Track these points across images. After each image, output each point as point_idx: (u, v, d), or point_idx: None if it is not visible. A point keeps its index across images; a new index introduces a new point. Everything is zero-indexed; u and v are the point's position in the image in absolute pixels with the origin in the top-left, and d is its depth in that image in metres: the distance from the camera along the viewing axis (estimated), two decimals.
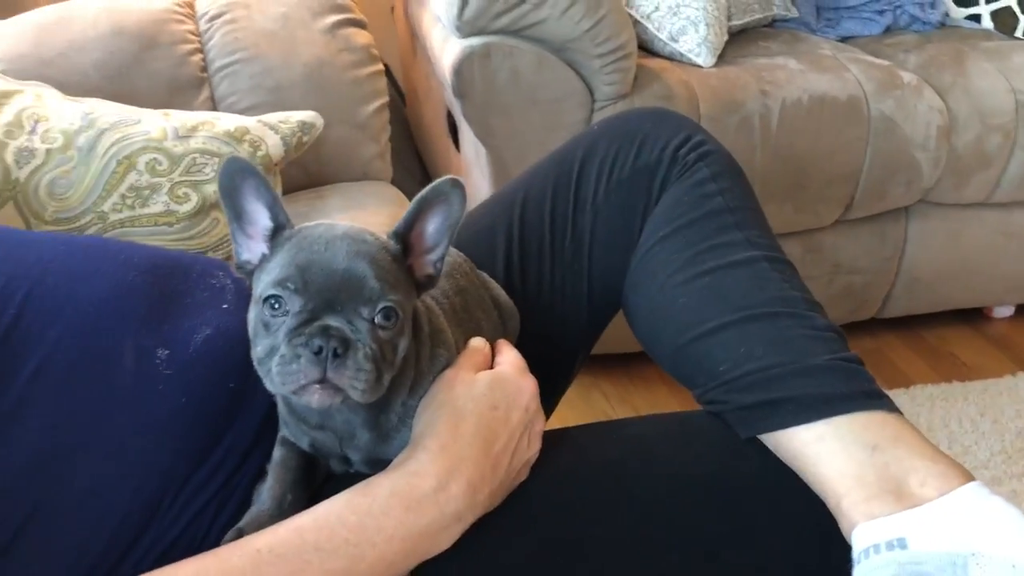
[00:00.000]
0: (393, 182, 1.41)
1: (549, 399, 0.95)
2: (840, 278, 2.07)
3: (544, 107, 1.72)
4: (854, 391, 0.76)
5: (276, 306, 0.60)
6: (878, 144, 1.89)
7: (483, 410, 0.69)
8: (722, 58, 1.93)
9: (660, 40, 1.91)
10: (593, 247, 0.93)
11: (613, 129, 0.97)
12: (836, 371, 0.77)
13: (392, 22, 2.57)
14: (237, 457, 0.69)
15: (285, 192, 1.23)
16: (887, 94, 1.89)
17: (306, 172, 1.31)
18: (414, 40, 2.24)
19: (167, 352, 0.70)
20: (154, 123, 1.06)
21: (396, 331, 0.62)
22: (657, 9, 1.91)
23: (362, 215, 1.22)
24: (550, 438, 0.77)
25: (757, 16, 2.09)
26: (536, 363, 0.80)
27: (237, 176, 0.63)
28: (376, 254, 0.62)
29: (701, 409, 0.84)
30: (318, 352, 0.58)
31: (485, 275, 0.89)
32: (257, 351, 0.61)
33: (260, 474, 0.70)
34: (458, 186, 0.65)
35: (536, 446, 0.73)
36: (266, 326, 0.60)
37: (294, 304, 0.59)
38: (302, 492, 0.68)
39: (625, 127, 0.96)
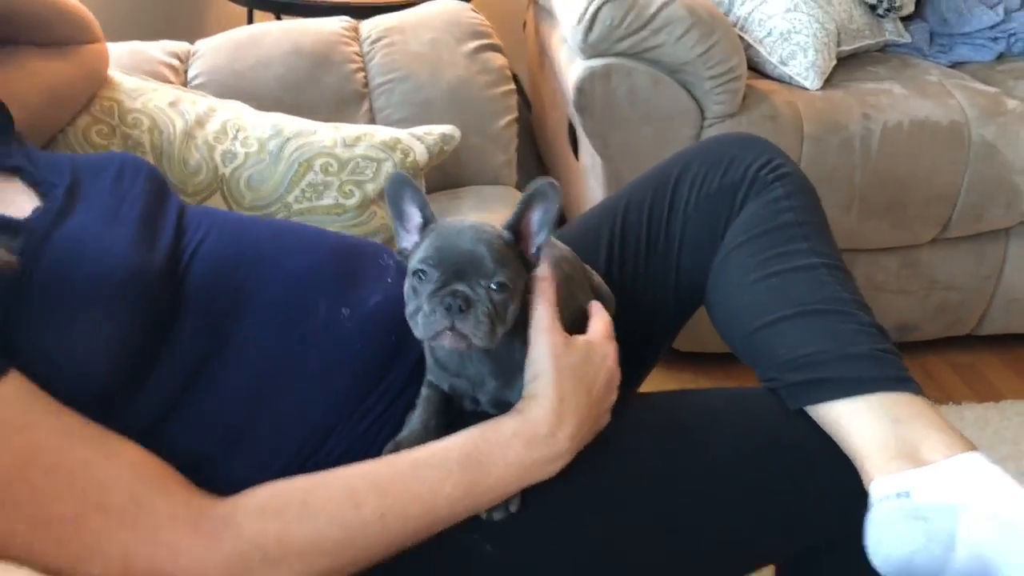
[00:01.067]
0: (517, 186, 1.62)
1: (636, 374, 1.15)
2: (936, 294, 2.15)
3: (657, 124, 1.89)
4: (887, 375, 0.92)
5: (421, 277, 0.82)
6: (977, 168, 1.96)
7: (579, 368, 0.88)
8: (829, 81, 2.05)
9: (770, 63, 2.04)
10: (682, 248, 1.11)
11: (706, 151, 1.15)
12: (873, 359, 0.93)
13: (524, 36, 2.78)
14: (395, 391, 0.91)
15: (428, 191, 1.46)
16: (990, 120, 1.97)
17: (445, 175, 1.52)
18: (542, 55, 2.44)
19: (348, 311, 0.93)
20: (327, 134, 1.29)
21: (506, 296, 0.83)
22: (769, 35, 2.04)
23: (489, 213, 1.42)
24: (634, 400, 0.96)
25: (867, 42, 2.18)
26: (627, 342, 0.99)
27: (400, 186, 0.86)
28: (492, 240, 0.83)
29: (762, 386, 1.01)
30: (448, 308, 0.79)
31: (588, 267, 1.09)
32: (409, 309, 0.83)
33: (411, 405, 0.91)
34: (554, 187, 0.85)
35: (613, 395, 0.92)
36: (415, 291, 0.82)
37: (433, 275, 0.81)
38: (442, 419, 0.90)
39: (716, 150, 1.14)
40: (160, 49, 1.56)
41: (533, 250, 0.88)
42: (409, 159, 1.30)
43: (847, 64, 2.15)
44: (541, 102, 2.63)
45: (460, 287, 0.80)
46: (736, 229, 1.07)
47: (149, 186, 0.97)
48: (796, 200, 1.07)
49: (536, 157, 2.70)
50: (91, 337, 0.79)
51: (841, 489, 0.90)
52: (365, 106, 1.53)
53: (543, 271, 0.89)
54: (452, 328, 0.80)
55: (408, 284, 0.84)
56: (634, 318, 1.08)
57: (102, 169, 0.96)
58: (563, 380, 0.86)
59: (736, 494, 0.91)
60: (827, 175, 1.90)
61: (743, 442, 0.94)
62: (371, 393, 0.90)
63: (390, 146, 1.30)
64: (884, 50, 2.29)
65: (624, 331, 0.99)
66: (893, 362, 0.94)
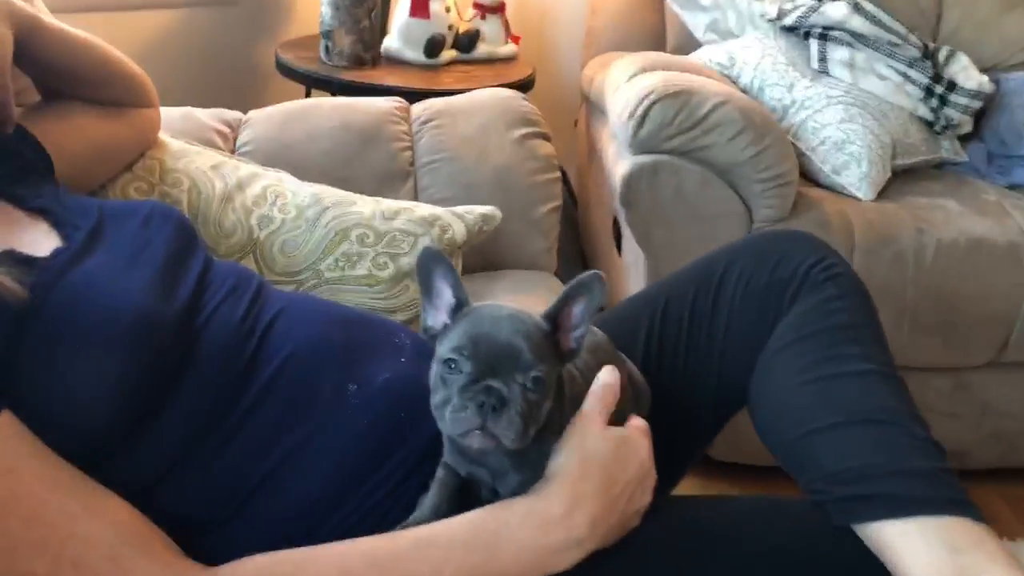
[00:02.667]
0: (557, 273, 1.58)
1: (668, 478, 1.08)
2: (990, 420, 2.04)
3: (704, 223, 1.85)
4: (943, 496, 0.84)
5: (452, 367, 0.77)
6: None
7: (608, 458, 0.82)
8: (883, 194, 2.00)
9: (823, 172, 2.01)
10: (726, 345, 1.05)
11: (755, 245, 1.10)
12: (929, 477, 0.86)
13: (575, 134, 2.80)
14: (407, 468, 0.86)
15: (465, 271, 1.42)
16: None
17: (484, 257, 1.49)
18: (591, 152, 2.44)
19: (355, 387, 0.89)
20: (367, 206, 1.28)
21: (542, 395, 0.78)
22: (822, 143, 2.01)
23: (525, 298, 1.38)
24: (667, 502, 0.89)
25: (923, 158, 2.15)
26: (661, 442, 0.93)
27: (431, 261, 0.82)
28: (531, 332, 0.79)
29: (805, 498, 0.94)
30: (481, 406, 0.74)
31: (624, 356, 1.04)
32: (436, 399, 0.78)
33: (424, 486, 0.86)
34: (600, 281, 0.81)
35: (647, 498, 0.86)
36: (444, 381, 0.77)
37: (466, 366, 0.76)
38: (455, 506, 0.84)
39: (765, 245, 1.09)
40: (212, 116, 1.58)
41: (572, 344, 0.83)
42: (447, 236, 1.28)
43: (901, 178, 2.10)
44: (587, 198, 2.62)
45: (495, 384, 0.75)
46: (784, 328, 1.01)
47: (176, 235, 0.95)
48: (849, 302, 1.01)
49: (578, 250, 2.68)
50: (92, 380, 0.75)
51: None
52: (409, 184, 1.52)
53: (609, 377, 0.87)
54: (483, 428, 0.75)
55: (436, 372, 0.79)
56: (670, 417, 1.03)
57: (130, 215, 0.95)
58: (587, 462, 0.81)
59: None
60: (878, 288, 1.80)
61: (780, 556, 0.86)
62: (379, 469, 0.85)
63: (429, 221, 1.27)
64: (940, 167, 2.25)
65: (659, 430, 0.94)
66: (951, 483, 0.86)
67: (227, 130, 1.56)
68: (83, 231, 0.89)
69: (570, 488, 0.79)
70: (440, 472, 0.85)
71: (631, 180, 1.83)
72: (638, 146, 1.82)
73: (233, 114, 1.61)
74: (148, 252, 0.90)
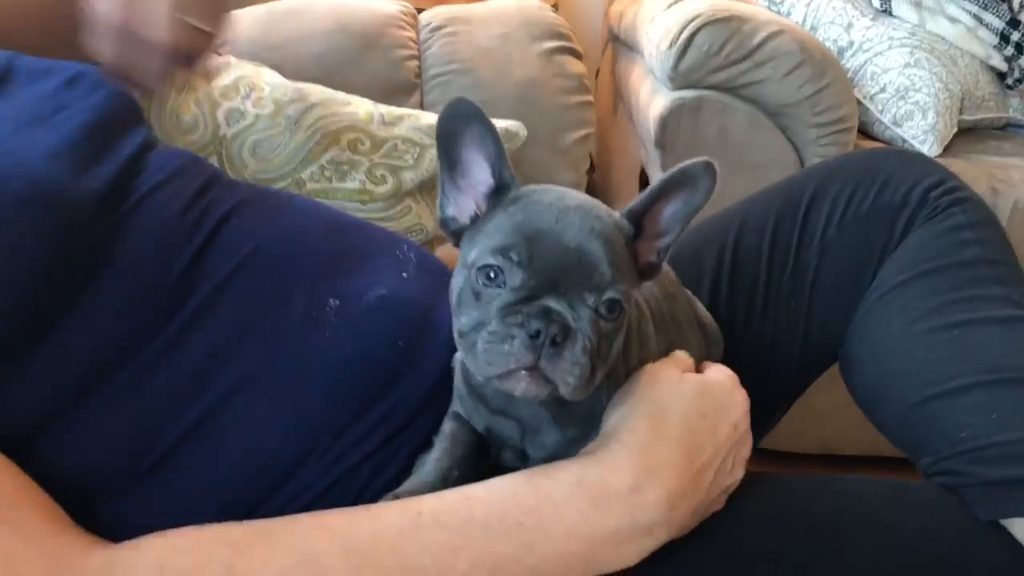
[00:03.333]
0: None
1: None
2: None
3: (748, 171, 1.63)
4: None
5: (492, 276, 0.53)
6: None
7: (690, 415, 0.59)
8: (948, 150, 1.79)
9: (881, 123, 1.80)
10: (816, 285, 0.83)
11: (853, 164, 0.87)
12: None
13: (594, 88, 2.56)
14: (400, 419, 0.63)
15: None
16: None
17: None
18: (616, 102, 2.21)
19: (337, 303, 0.66)
20: (362, 107, 1.05)
21: (617, 325, 0.55)
22: (882, 91, 1.80)
23: None
24: (753, 479, 0.65)
25: (991, 115, 1.93)
26: None
27: (461, 119, 0.56)
28: (611, 234, 0.55)
29: (927, 480, 0.71)
30: (535, 336, 0.50)
31: (690, 293, 0.80)
32: (461, 321, 0.54)
33: (425, 444, 0.62)
34: (711, 171, 0.57)
35: (739, 473, 0.63)
36: (476, 296, 0.54)
37: (514, 278, 0.52)
38: (471, 471, 0.60)
39: (867, 163, 0.87)
40: None
41: (652, 256, 0.60)
42: None
43: (966, 136, 1.90)
44: (607, 159, 2.39)
45: (555, 305, 0.52)
46: (897, 263, 0.80)
47: (109, 104, 0.71)
48: (982, 232, 0.79)
49: None
50: None
51: None
52: (415, 98, 1.29)
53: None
54: (533, 367, 0.51)
55: (463, 282, 0.55)
56: (745, 371, 0.79)
57: (52, 73, 0.71)
58: (662, 418, 0.58)
59: None
60: None
61: (911, 559, 0.63)
62: (362, 417, 0.62)
63: (430, 131, 1.03)
64: (1005, 129, 2.02)
65: None
66: None
67: None
68: None
69: (637, 453, 0.56)
70: (448, 425, 0.62)
71: (669, 117, 1.61)
72: (679, 79, 1.60)
73: None
74: (61, 116, 0.66)
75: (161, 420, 0.57)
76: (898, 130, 1.77)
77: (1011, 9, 1.92)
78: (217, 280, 0.63)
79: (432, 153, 1.01)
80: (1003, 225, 1.57)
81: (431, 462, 0.60)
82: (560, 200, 0.55)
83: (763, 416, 0.87)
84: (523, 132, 1.11)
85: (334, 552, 0.51)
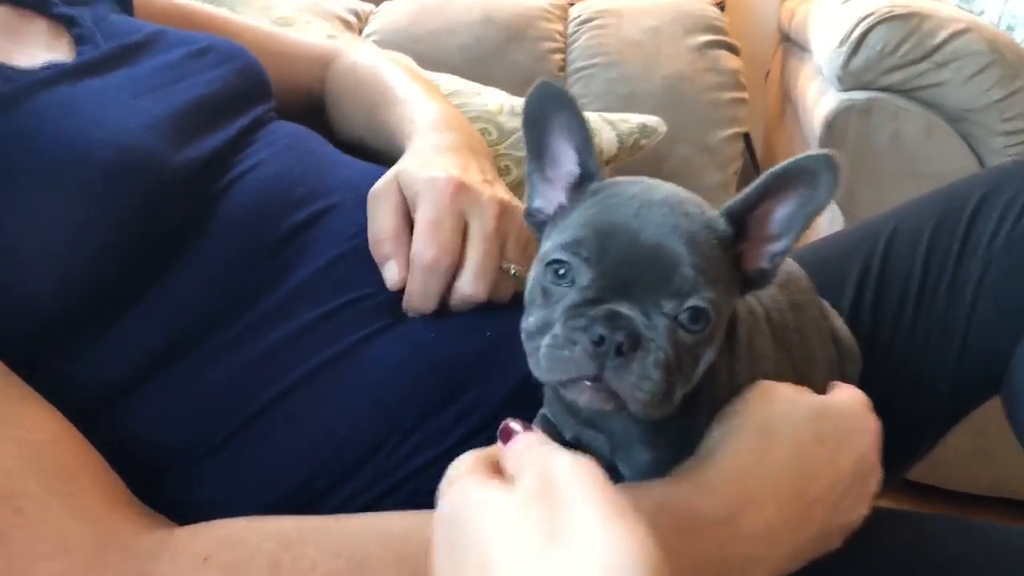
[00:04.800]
0: None
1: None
2: None
3: (923, 181, 1.49)
4: None
5: (561, 273, 0.48)
6: None
7: (805, 439, 0.52)
8: None
9: None
10: (978, 302, 0.73)
11: None
12: None
13: (764, 90, 2.44)
14: (482, 415, 0.58)
15: None
16: None
17: None
18: (784, 104, 2.10)
19: None
20: (493, 98, 1.02)
21: (703, 337, 0.48)
22: None
23: None
24: (883, 515, 0.57)
25: None
26: None
27: (548, 104, 0.51)
28: (699, 233, 0.48)
29: None
30: (598, 343, 0.45)
31: (826, 303, 0.72)
32: (528, 321, 0.49)
33: None
34: (833, 166, 0.48)
35: (862, 510, 0.54)
36: (545, 294, 0.48)
37: (582, 276, 0.47)
38: None
39: None
40: (342, 6, 1.36)
41: (763, 262, 0.52)
42: None
43: None
44: (773, 160, 2.26)
45: (625, 309, 0.46)
46: None
47: (234, 79, 0.71)
48: None
49: None
50: (44, 235, 0.53)
51: None
52: None
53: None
54: (597, 378, 0.45)
55: (535, 278, 0.50)
56: (886, 396, 0.70)
57: (182, 43, 0.71)
58: (767, 437, 0.51)
59: None
60: None
61: None
62: (440, 412, 0.58)
63: None
64: None
65: None
66: None
67: (354, 20, 1.34)
68: (103, 49, 0.67)
69: (735, 477, 0.49)
70: (535, 427, 0.57)
71: (836, 120, 1.51)
72: (849, 79, 1.50)
73: (364, 5, 1.39)
74: (178, 87, 0.66)
75: (236, 397, 0.56)
76: None
77: None
78: (317, 265, 0.62)
79: None
80: None
81: None
82: (645, 193, 0.49)
83: (901, 450, 0.78)
84: (662, 127, 1.05)
85: (386, 559, 0.47)
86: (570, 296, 0.47)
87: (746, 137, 1.56)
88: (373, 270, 0.63)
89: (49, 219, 0.53)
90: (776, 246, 0.51)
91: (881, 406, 0.69)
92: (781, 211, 0.50)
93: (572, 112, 0.51)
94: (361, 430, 0.56)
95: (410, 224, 0.64)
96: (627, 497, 0.47)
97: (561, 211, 0.52)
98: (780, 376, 0.59)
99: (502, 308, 0.62)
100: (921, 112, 1.47)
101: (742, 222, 0.50)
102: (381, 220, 0.64)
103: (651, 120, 1.05)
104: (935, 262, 0.75)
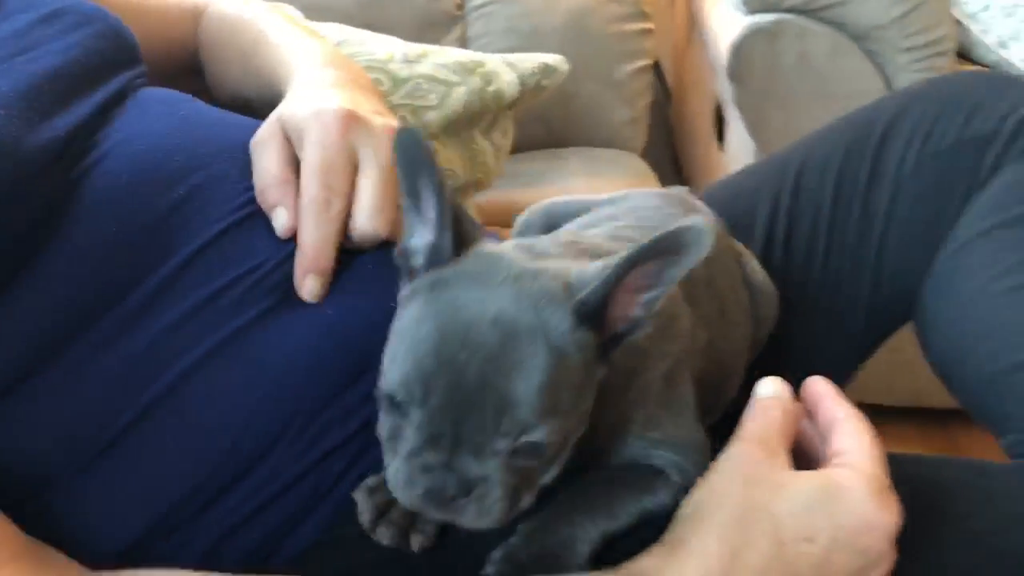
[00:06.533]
0: (642, 155, 1.26)
1: None
2: None
3: (831, 102, 1.50)
4: None
5: (398, 409, 0.45)
6: None
7: (787, 539, 0.47)
8: None
9: (983, 45, 1.64)
10: (888, 231, 0.74)
11: (935, 90, 0.77)
12: None
13: (670, 17, 2.42)
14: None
15: (523, 148, 1.12)
16: None
17: (549, 129, 1.19)
18: (691, 30, 2.08)
19: None
20: (381, 46, 0.97)
21: (547, 459, 0.45)
22: (986, 8, 1.64)
23: (599, 183, 1.07)
24: None
25: None
26: (789, 369, 0.59)
27: (411, 147, 0.46)
28: (537, 352, 0.43)
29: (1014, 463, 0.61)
30: (433, 492, 0.44)
31: (741, 245, 0.71)
32: (381, 423, 0.47)
33: None
34: (705, 236, 0.44)
35: None
36: (389, 431, 0.46)
37: (415, 416, 0.44)
38: None
39: (952, 89, 0.76)
40: None
41: (636, 310, 0.47)
42: (491, 88, 0.95)
43: None
44: (683, 91, 2.28)
45: (456, 456, 0.44)
46: (983, 206, 0.71)
47: (95, 44, 0.64)
48: None
49: (671, 154, 2.32)
50: None
51: None
52: (456, 32, 1.22)
53: (773, 389, 0.52)
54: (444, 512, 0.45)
55: (381, 411, 0.47)
56: (803, 330, 0.70)
57: (28, 8, 0.65)
58: (744, 536, 0.47)
59: None
60: None
61: (985, 555, 0.54)
62: (339, 398, 0.55)
63: (467, 68, 0.95)
64: None
65: (786, 352, 0.70)
66: None
67: None
68: None
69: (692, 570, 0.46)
70: None
71: (742, 45, 1.51)
72: (754, 3, 1.51)
73: None
74: (26, 57, 0.60)
75: (115, 398, 0.51)
76: (1003, 52, 1.62)
77: None
78: (199, 242, 0.57)
79: (459, 92, 0.93)
80: None
81: None
82: (480, 307, 0.44)
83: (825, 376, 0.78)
84: (564, 66, 1.02)
85: None
86: (407, 434, 0.44)
87: (656, 67, 1.54)
88: (264, 240, 0.59)
89: None
90: (648, 295, 0.46)
91: (800, 344, 0.70)
92: (654, 267, 0.45)
93: (429, 162, 0.46)
94: (258, 421, 0.53)
95: (298, 167, 0.60)
96: None
97: (419, 269, 0.48)
98: (693, 336, 0.57)
99: (394, 292, 0.59)
100: (826, 32, 1.49)
101: (603, 303, 0.45)
102: (265, 167, 0.59)
103: (552, 59, 1.02)
104: (844, 193, 0.75)
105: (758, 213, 0.76)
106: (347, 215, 0.59)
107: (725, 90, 1.65)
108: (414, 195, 0.48)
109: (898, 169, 0.73)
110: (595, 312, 0.45)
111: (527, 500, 0.46)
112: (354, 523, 0.50)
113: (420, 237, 0.49)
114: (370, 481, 0.51)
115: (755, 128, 1.57)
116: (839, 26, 1.48)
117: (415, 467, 0.44)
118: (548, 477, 0.47)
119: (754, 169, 0.81)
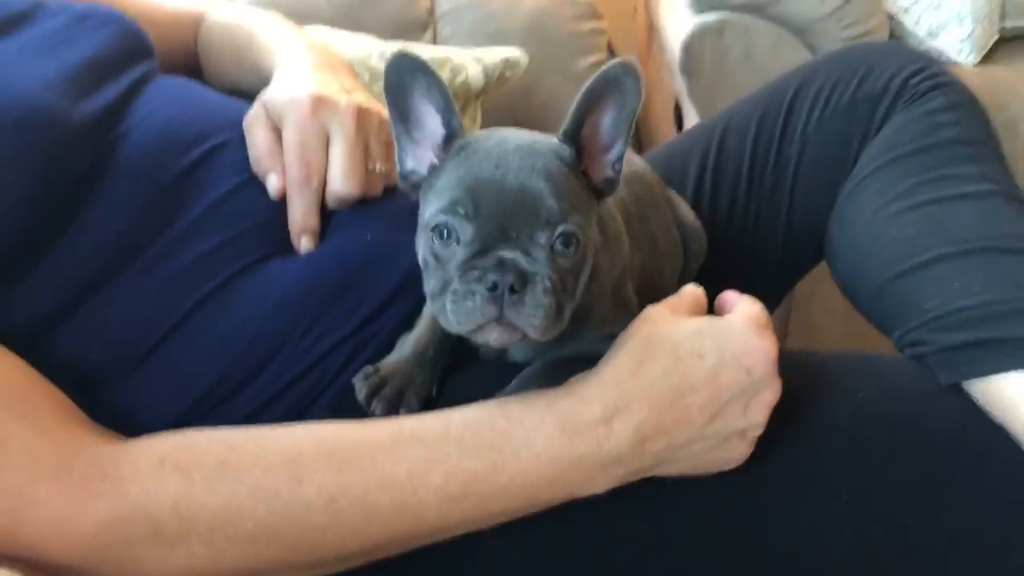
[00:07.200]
0: None
1: None
2: None
3: None
4: None
5: (446, 235, 0.55)
6: None
7: (682, 354, 0.59)
8: (989, 59, 1.74)
9: (915, 36, 1.75)
10: (797, 180, 0.84)
11: (836, 59, 0.88)
12: None
13: (633, 21, 2.54)
14: (374, 304, 0.68)
15: None
16: None
17: (514, 117, 1.29)
18: (651, 35, 2.20)
19: None
20: (362, 46, 1.09)
21: (578, 257, 0.56)
22: (917, 1, 1.75)
23: None
24: None
25: None
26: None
27: (406, 73, 0.57)
28: (551, 165, 0.55)
29: (901, 354, 0.73)
30: (493, 288, 0.52)
31: (673, 192, 0.83)
32: (430, 285, 0.56)
33: (402, 326, 0.67)
34: (631, 70, 0.56)
35: (757, 418, 0.61)
36: (436, 257, 0.55)
37: (465, 232, 0.54)
38: (446, 352, 0.65)
39: (849, 56, 0.87)
40: None
41: (607, 171, 0.59)
42: (460, 79, 1.07)
43: (1008, 45, 1.82)
44: (646, 87, 2.37)
45: (508, 253, 0.53)
46: (874, 150, 0.80)
47: (117, 42, 0.77)
48: (962, 114, 0.78)
49: (636, 146, 2.44)
50: None
51: (1016, 500, 0.60)
52: (428, 35, 1.32)
53: (692, 287, 0.65)
54: (500, 318, 0.53)
55: (424, 245, 0.57)
56: (727, 268, 0.82)
57: (63, 11, 0.77)
58: (643, 354, 0.59)
59: (858, 495, 0.62)
60: None
61: (868, 424, 0.65)
62: (336, 304, 0.67)
63: (438, 62, 1.07)
64: None
65: (713, 286, 0.73)
66: None
67: None
68: None
69: (610, 386, 0.58)
70: (429, 308, 0.65)
71: (692, 43, 1.60)
72: (702, 2, 1.58)
73: None
74: (67, 48, 0.73)
75: (156, 313, 0.63)
76: (933, 42, 1.72)
77: None
78: (216, 195, 0.69)
79: None
80: None
81: (410, 341, 0.65)
82: (500, 144, 0.56)
83: None
84: (524, 59, 1.14)
85: (318, 456, 0.56)
86: (459, 253, 0.54)
87: None
88: (265, 197, 0.72)
89: None
90: (612, 154, 0.59)
91: (725, 280, 0.81)
92: (605, 121, 0.58)
93: (431, 78, 0.57)
94: (268, 328, 0.65)
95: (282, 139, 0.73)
96: (521, 403, 0.57)
97: (433, 171, 0.58)
98: (632, 257, 0.69)
99: (378, 213, 0.71)
100: (769, 28, 1.57)
101: (578, 141, 0.58)
102: (256, 142, 0.72)
103: (512, 53, 1.14)
104: (760, 149, 0.85)
105: (689, 168, 0.88)
106: (325, 181, 0.72)
107: (680, 86, 1.76)
108: (404, 118, 0.58)
109: (804, 126, 0.84)
110: (574, 142, 0.57)
111: (569, 307, 0.55)
112: (355, 402, 0.62)
113: (413, 158, 0.60)
114: (367, 368, 0.63)
115: (708, 118, 1.69)
116: (781, 21, 1.56)
117: (471, 279, 0.52)
118: (582, 279, 0.57)
119: (687, 133, 0.93)
